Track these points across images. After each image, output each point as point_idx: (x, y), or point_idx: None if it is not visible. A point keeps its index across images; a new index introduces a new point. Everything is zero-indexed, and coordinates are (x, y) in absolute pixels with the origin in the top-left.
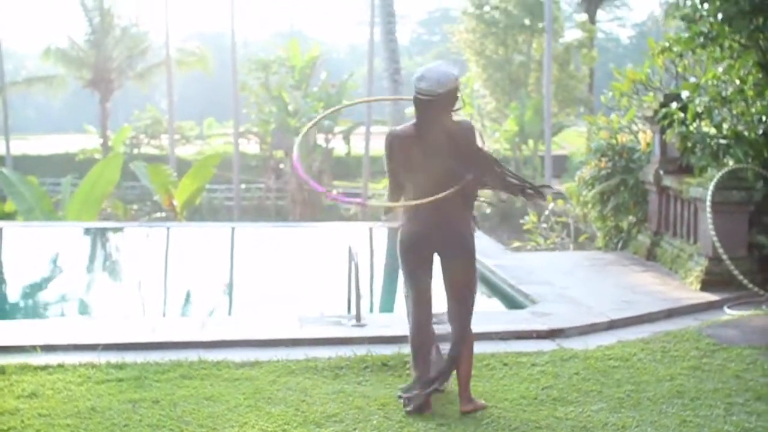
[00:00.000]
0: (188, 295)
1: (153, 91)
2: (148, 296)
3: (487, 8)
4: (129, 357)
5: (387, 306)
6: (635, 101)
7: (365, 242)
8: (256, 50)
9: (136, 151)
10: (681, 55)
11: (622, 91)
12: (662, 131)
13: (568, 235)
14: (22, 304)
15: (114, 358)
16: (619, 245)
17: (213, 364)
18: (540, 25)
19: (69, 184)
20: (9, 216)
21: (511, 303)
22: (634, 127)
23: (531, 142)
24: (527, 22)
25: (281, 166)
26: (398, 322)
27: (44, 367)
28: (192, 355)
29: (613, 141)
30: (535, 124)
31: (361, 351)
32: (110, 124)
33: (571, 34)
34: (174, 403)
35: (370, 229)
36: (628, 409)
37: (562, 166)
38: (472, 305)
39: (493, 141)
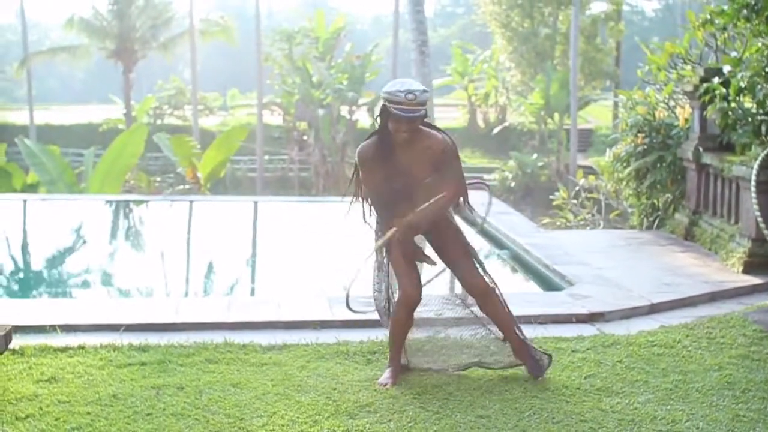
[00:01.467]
0: (212, 273)
1: (177, 62)
2: (171, 274)
3: None
4: (152, 339)
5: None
6: (673, 75)
7: None
8: (280, 21)
9: (159, 121)
10: (724, 28)
11: (659, 65)
12: (702, 107)
13: (598, 211)
14: (43, 281)
15: (136, 339)
16: (655, 224)
17: (239, 348)
18: None
19: (92, 155)
20: (32, 187)
21: (547, 284)
22: (672, 103)
23: (556, 115)
24: None
25: (305, 137)
26: (432, 304)
27: (64, 349)
28: (217, 338)
29: (650, 117)
30: (561, 98)
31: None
32: (134, 95)
33: (598, 7)
34: (199, 390)
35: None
36: (677, 401)
37: (587, 140)
38: None
39: (518, 114)
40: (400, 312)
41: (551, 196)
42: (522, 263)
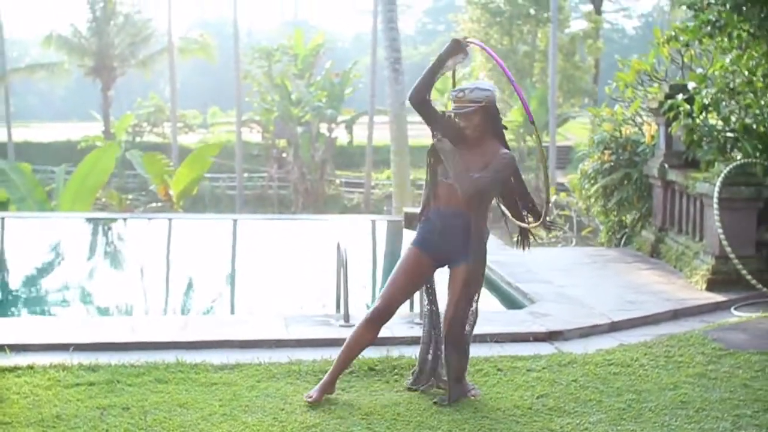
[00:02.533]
0: (174, 292)
1: (157, 79)
2: (131, 293)
3: None
4: (103, 358)
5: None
6: (640, 92)
7: (368, 235)
8: (260, 39)
9: (138, 139)
10: (687, 45)
11: (626, 82)
12: (668, 124)
13: (571, 228)
14: (16, 298)
15: (87, 359)
16: (623, 241)
17: (191, 367)
18: (545, 15)
19: (63, 172)
20: (2, 205)
21: (509, 302)
22: (639, 119)
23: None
24: (532, 11)
25: (284, 155)
26: (389, 322)
27: (13, 369)
28: (171, 357)
29: (617, 133)
30: (540, 115)
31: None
32: (114, 112)
33: (577, 25)
34: (145, 411)
35: (373, 222)
36: (629, 421)
37: (566, 157)
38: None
39: None
40: (371, 328)
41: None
42: (486, 281)
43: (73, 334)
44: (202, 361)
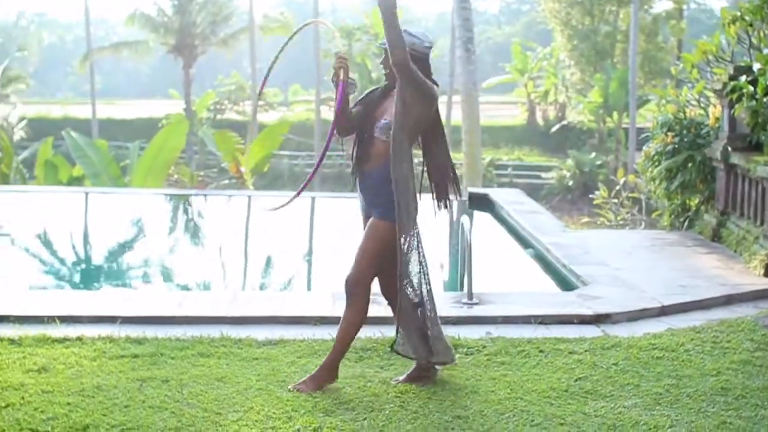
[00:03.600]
0: (225, 268)
1: (240, 57)
2: (185, 268)
3: None
4: (150, 332)
5: (439, 285)
6: (706, 74)
7: (432, 215)
8: (343, 17)
9: (219, 116)
10: (751, 25)
11: (692, 63)
12: (731, 106)
13: (639, 210)
14: (54, 272)
15: (135, 332)
16: (685, 224)
17: (234, 342)
18: None
19: (137, 148)
20: (77, 180)
21: (564, 284)
22: (704, 101)
23: (615, 114)
24: None
25: None
26: (436, 301)
27: (62, 340)
28: (216, 332)
29: (681, 115)
30: (620, 96)
31: (390, 332)
32: (196, 90)
33: (660, 5)
34: (182, 384)
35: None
36: (665, 406)
37: (646, 139)
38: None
39: (577, 112)
40: (363, 313)
41: (591, 195)
42: (543, 262)
43: (123, 307)
44: (246, 337)
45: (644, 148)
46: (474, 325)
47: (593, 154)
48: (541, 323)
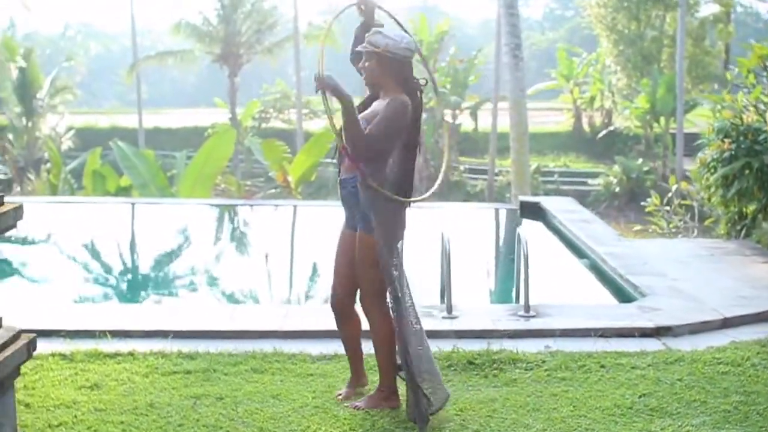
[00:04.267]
0: (279, 281)
1: (285, 66)
2: (237, 280)
3: None
4: (202, 346)
5: (481, 296)
6: (762, 78)
7: (482, 223)
8: (387, 24)
9: (264, 125)
10: None
11: (748, 68)
12: None
13: (692, 218)
14: (104, 285)
15: (187, 347)
16: (743, 233)
17: (288, 357)
18: None
19: (184, 158)
20: (124, 190)
21: (621, 295)
22: (761, 107)
23: (662, 119)
24: None
25: None
26: (491, 313)
27: (113, 355)
28: (268, 346)
29: (737, 121)
30: (668, 101)
31: (447, 346)
32: (241, 98)
33: (707, 9)
34: (237, 402)
35: (493, 211)
36: (734, 425)
37: (694, 144)
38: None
39: (623, 118)
40: (388, 324)
41: (643, 203)
42: (599, 273)
43: (173, 320)
44: (300, 351)
45: (699, 155)
46: (532, 339)
47: (640, 160)
48: (600, 336)
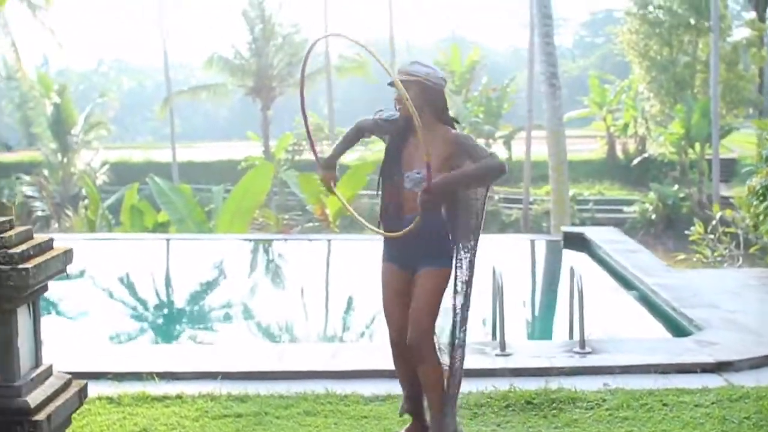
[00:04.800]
0: (326, 318)
1: (317, 98)
2: (283, 318)
3: (651, 8)
4: (252, 388)
5: (533, 331)
6: None
7: (525, 256)
8: (417, 55)
9: (297, 157)
10: None
11: None
12: None
13: (737, 246)
14: (148, 324)
15: (236, 388)
16: None
17: (340, 399)
18: (706, 24)
19: (221, 192)
20: (162, 226)
21: (674, 328)
22: None
23: (698, 145)
24: (693, 21)
25: None
26: (545, 350)
27: (162, 398)
28: (319, 387)
29: None
30: (702, 127)
31: (503, 385)
32: (274, 131)
33: (739, 33)
34: None
35: (532, 242)
36: None
37: (730, 170)
38: None
39: (658, 145)
40: (440, 365)
41: (687, 231)
42: (650, 305)
43: (222, 361)
44: (352, 392)
45: (747, 182)
46: (590, 376)
47: (676, 187)
48: (660, 373)
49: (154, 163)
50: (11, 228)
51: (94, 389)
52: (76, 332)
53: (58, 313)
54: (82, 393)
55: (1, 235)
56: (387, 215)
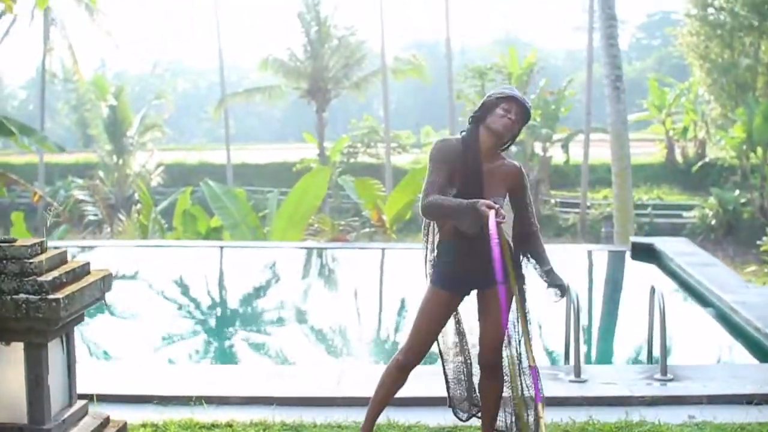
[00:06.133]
0: (384, 336)
1: (371, 100)
2: (338, 336)
3: (711, 10)
4: (308, 415)
5: (607, 354)
6: None
7: (588, 267)
8: (473, 58)
9: (352, 160)
10: None
11: None
12: None
13: None
14: (193, 342)
15: (291, 416)
16: None
17: (404, 430)
18: None
19: (276, 197)
20: (215, 231)
21: (758, 351)
22: None
23: (759, 149)
24: (755, 23)
25: None
26: (623, 376)
27: (210, 427)
28: (380, 416)
29: None
30: (765, 131)
31: (580, 416)
32: (329, 133)
33: None
34: None
35: (589, 253)
36: None
37: None
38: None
39: (718, 149)
40: (393, 372)
41: (759, 241)
42: (730, 325)
43: (275, 385)
44: (417, 422)
45: None
46: (673, 407)
47: (737, 192)
48: (750, 403)
49: (208, 164)
50: (42, 251)
51: (138, 415)
52: (119, 349)
53: (106, 330)
54: None
55: (30, 261)
56: (458, 237)
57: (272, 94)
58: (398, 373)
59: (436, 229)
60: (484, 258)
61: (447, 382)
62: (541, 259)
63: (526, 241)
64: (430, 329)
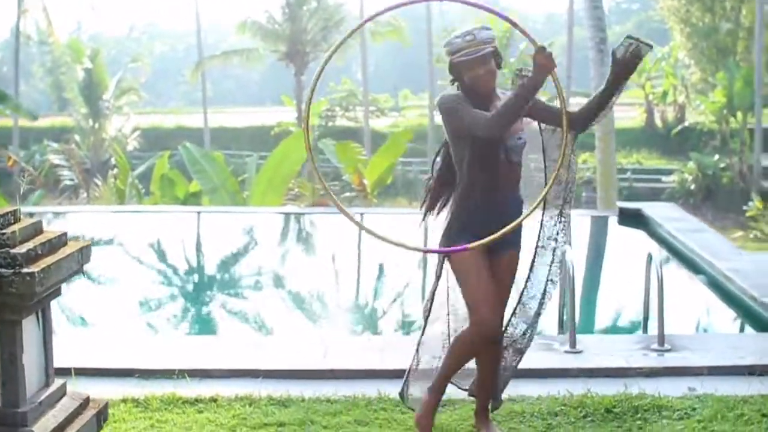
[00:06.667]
0: (371, 306)
1: (349, 63)
2: (322, 306)
3: None
4: (295, 389)
5: (600, 324)
6: None
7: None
8: (452, 20)
9: (330, 123)
10: None
11: None
12: None
13: None
14: (174, 313)
15: (277, 390)
16: None
17: (395, 404)
18: None
19: (255, 161)
20: (194, 196)
21: (755, 321)
22: None
23: (739, 114)
24: None
25: None
26: (621, 347)
27: (194, 402)
28: (370, 389)
29: None
30: (745, 96)
31: (577, 388)
32: (305, 97)
33: None
34: None
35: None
36: None
37: None
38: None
39: (698, 113)
40: (476, 340)
41: (745, 207)
42: (723, 293)
43: (261, 358)
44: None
45: None
46: (672, 378)
47: (716, 157)
48: (752, 373)
49: (185, 128)
50: (16, 221)
51: (119, 390)
52: (99, 319)
53: (85, 302)
54: (102, 415)
55: (2, 232)
56: (473, 195)
57: (250, 57)
58: (485, 345)
59: (446, 201)
60: (502, 211)
61: (417, 354)
62: (592, 100)
63: (576, 116)
64: (482, 286)
